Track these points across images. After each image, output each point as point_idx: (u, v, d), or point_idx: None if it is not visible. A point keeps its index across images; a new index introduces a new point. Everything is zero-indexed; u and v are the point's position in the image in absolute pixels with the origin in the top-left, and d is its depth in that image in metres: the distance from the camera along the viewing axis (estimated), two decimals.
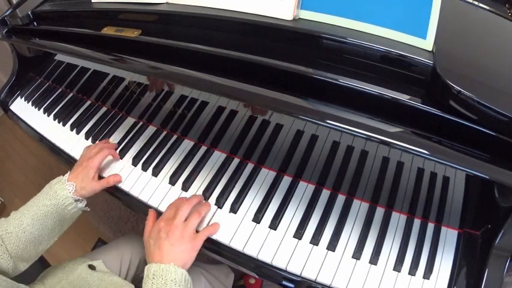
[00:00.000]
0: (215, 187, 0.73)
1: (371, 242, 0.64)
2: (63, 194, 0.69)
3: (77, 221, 0.75)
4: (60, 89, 1.05)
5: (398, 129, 0.51)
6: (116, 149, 0.84)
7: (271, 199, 0.70)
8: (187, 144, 0.81)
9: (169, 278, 0.57)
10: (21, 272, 0.67)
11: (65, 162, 0.90)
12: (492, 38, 0.68)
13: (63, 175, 0.73)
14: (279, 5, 0.65)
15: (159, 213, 0.72)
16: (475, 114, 0.49)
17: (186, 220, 0.64)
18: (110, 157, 0.81)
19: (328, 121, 0.52)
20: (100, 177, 0.77)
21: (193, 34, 0.72)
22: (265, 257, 0.64)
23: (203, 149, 0.80)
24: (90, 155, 0.76)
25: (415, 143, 0.50)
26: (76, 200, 0.71)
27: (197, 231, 0.66)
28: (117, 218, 1.56)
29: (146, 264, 0.61)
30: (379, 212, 0.68)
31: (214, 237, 0.67)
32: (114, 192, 0.78)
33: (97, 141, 0.87)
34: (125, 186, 0.77)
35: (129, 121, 0.89)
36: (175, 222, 0.63)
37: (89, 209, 0.75)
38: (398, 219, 0.67)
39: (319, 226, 0.66)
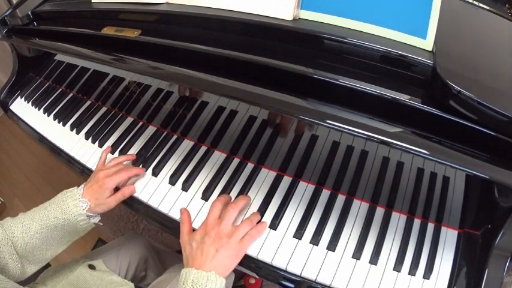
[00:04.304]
0: (215, 187, 0.73)
1: (371, 242, 0.64)
2: (75, 210, 0.67)
3: None
4: (60, 89, 1.05)
5: (398, 129, 0.51)
6: (116, 150, 0.84)
7: (271, 199, 0.70)
8: (187, 144, 0.81)
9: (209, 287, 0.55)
10: (28, 275, 0.66)
11: (65, 162, 0.90)
12: (492, 38, 0.68)
13: (78, 186, 0.71)
14: (279, 5, 0.65)
15: (159, 215, 0.73)
16: (475, 114, 0.49)
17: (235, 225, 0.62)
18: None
19: (328, 121, 0.52)
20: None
21: (193, 34, 0.72)
22: (265, 257, 0.64)
23: (203, 149, 0.80)
24: (109, 173, 0.72)
25: (415, 143, 0.49)
26: (89, 216, 0.69)
27: None
28: (117, 217, 1.56)
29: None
30: (379, 212, 0.68)
31: None
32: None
33: (117, 156, 0.82)
34: None
35: (129, 121, 0.89)
36: (222, 228, 0.60)
37: (102, 224, 0.73)
38: (398, 219, 0.67)
39: (319, 226, 0.66)
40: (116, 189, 0.73)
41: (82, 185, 0.71)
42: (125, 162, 0.78)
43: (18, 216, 0.67)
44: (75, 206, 0.67)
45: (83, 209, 0.68)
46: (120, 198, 0.72)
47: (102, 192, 0.70)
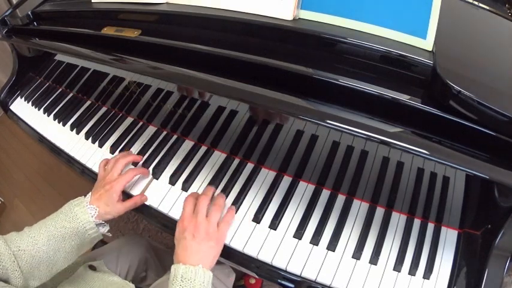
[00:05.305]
0: (215, 187, 0.73)
1: (371, 242, 0.64)
2: (84, 218, 0.65)
3: None
4: (60, 89, 1.05)
5: (398, 129, 0.51)
6: (116, 150, 0.84)
7: (271, 199, 0.70)
8: (187, 144, 0.81)
9: (198, 282, 0.57)
10: None
11: (65, 162, 0.90)
12: (492, 38, 0.68)
13: (84, 195, 0.69)
14: (279, 5, 0.65)
15: (159, 215, 0.73)
16: (475, 114, 0.49)
17: (207, 215, 0.63)
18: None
19: (328, 121, 0.52)
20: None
21: (193, 34, 0.72)
22: (265, 257, 0.64)
23: (203, 149, 0.80)
24: (112, 177, 0.71)
25: (415, 143, 0.50)
26: (98, 225, 0.67)
27: None
28: (117, 217, 1.56)
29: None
30: (379, 212, 0.68)
31: None
32: None
33: (117, 154, 0.81)
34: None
35: (129, 121, 0.89)
36: (198, 220, 0.62)
37: (110, 235, 0.71)
38: (398, 219, 0.67)
39: (319, 226, 0.66)
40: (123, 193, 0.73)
41: (89, 194, 0.70)
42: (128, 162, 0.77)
43: (24, 229, 0.64)
44: (83, 213, 0.65)
45: (92, 216, 0.66)
46: (130, 206, 0.71)
47: (110, 196, 0.69)
